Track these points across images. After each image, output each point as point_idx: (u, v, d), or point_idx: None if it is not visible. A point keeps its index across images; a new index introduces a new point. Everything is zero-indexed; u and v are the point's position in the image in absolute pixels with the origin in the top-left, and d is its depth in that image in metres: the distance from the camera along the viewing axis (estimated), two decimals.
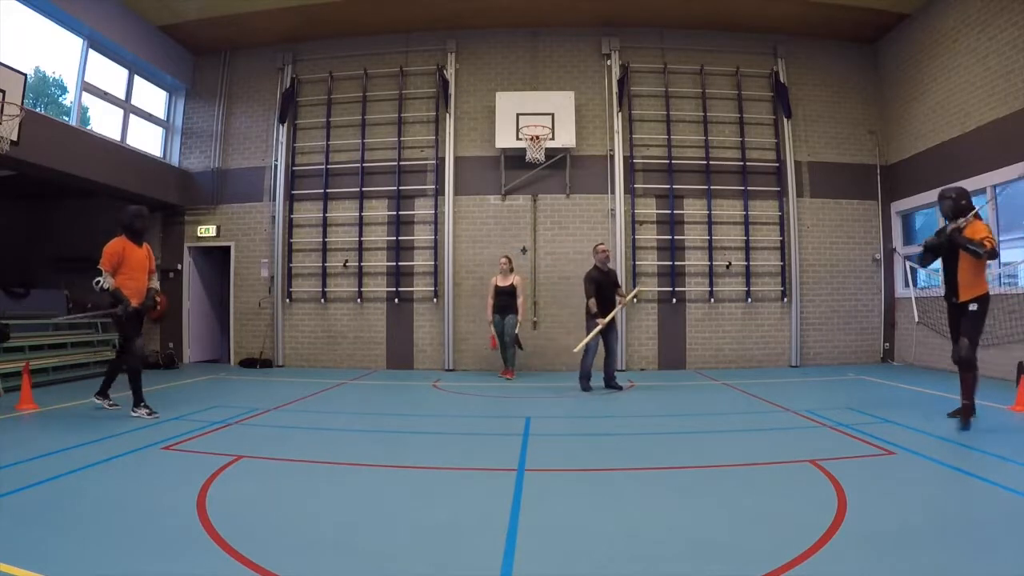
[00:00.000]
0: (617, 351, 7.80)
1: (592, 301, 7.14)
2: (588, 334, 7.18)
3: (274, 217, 10.32)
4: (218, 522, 2.82)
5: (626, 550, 2.58)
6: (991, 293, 5.03)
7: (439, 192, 10.06)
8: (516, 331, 8.47)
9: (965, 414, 4.72)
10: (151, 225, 10.80)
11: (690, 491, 3.40)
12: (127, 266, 5.57)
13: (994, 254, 4.68)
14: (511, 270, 8.63)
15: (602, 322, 7.08)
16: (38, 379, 7.28)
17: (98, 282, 5.45)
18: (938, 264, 5.32)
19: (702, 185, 9.95)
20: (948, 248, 4.90)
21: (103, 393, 5.90)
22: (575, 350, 7.34)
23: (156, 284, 5.96)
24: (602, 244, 7.81)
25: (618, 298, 7.47)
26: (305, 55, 10.55)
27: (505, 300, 8.42)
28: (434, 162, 10.14)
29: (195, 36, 10.34)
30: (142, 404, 5.57)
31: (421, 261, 10.09)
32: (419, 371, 9.79)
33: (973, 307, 4.80)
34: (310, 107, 10.57)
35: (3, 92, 6.43)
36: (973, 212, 4.89)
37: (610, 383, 7.43)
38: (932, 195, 9.15)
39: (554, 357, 9.72)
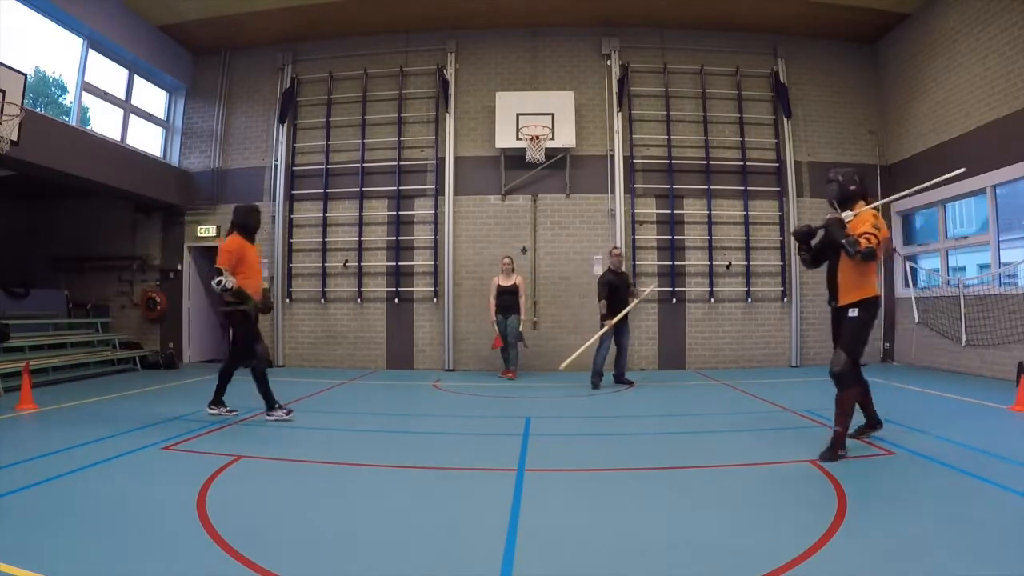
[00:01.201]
0: (628, 349, 7.91)
1: (603, 303, 7.41)
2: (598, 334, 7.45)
3: (274, 217, 10.32)
4: (218, 522, 2.82)
5: (626, 550, 2.58)
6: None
7: (439, 192, 10.06)
8: (520, 330, 8.52)
9: (834, 445, 3.88)
10: (151, 224, 10.92)
11: (690, 491, 3.40)
12: (245, 264, 5.32)
13: (870, 255, 3.82)
14: (513, 270, 8.66)
15: (609, 323, 7.30)
16: (38, 379, 7.28)
17: (219, 282, 5.09)
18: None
19: (702, 185, 9.95)
20: (828, 242, 4.19)
21: (217, 402, 5.58)
22: (562, 366, 7.50)
23: (267, 284, 5.68)
24: (616, 247, 8.09)
25: (630, 299, 7.62)
26: (305, 55, 10.55)
27: (508, 300, 8.47)
28: (434, 162, 10.14)
29: (195, 36, 10.34)
30: (276, 406, 5.38)
31: (421, 261, 10.09)
32: (419, 371, 9.78)
33: (853, 313, 4.03)
34: (310, 107, 10.57)
35: (3, 92, 6.42)
36: (873, 205, 4.21)
37: (620, 379, 7.75)
38: (932, 195, 9.19)
39: (554, 357, 9.67)
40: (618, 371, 7.79)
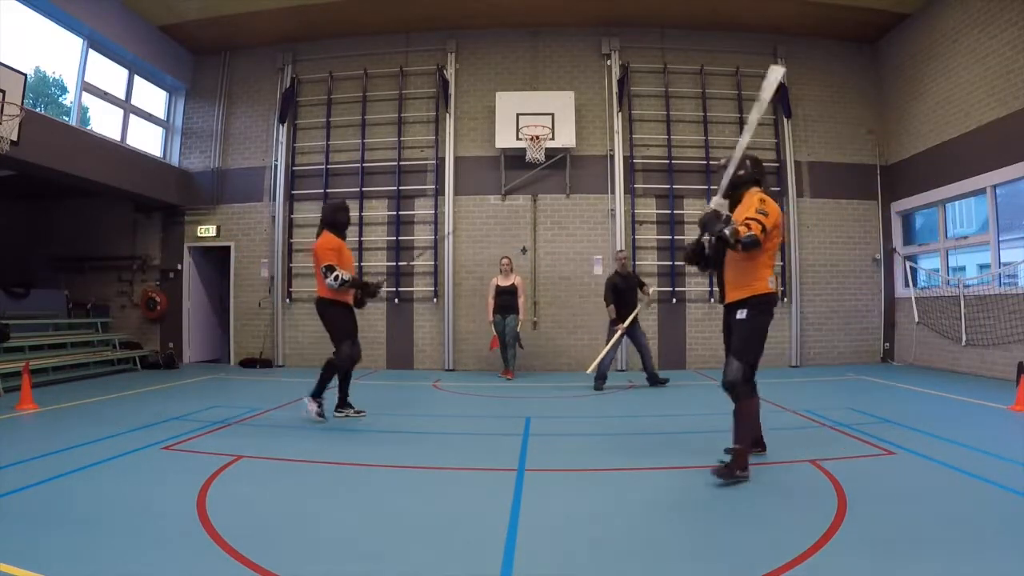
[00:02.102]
0: (649, 347, 7.77)
1: (611, 308, 7.38)
2: (609, 340, 7.37)
3: (274, 217, 10.32)
4: (218, 522, 2.82)
5: (626, 550, 2.58)
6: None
7: (439, 192, 10.06)
8: (518, 330, 8.52)
9: (732, 463, 3.40)
10: (151, 224, 10.91)
11: (690, 491, 3.40)
12: (341, 262, 5.25)
13: (751, 243, 3.32)
14: (512, 270, 8.66)
15: (621, 327, 7.25)
16: (38, 379, 7.28)
17: (336, 277, 5.09)
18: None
19: (702, 185, 9.95)
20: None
21: (343, 404, 5.57)
22: (589, 370, 7.38)
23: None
24: (620, 251, 8.06)
25: (640, 299, 7.57)
26: (305, 55, 10.55)
27: (506, 300, 8.47)
28: (434, 162, 10.14)
29: (195, 36, 10.34)
30: (319, 402, 5.34)
31: (421, 261, 10.09)
32: (419, 371, 9.78)
33: (741, 314, 3.55)
34: (310, 107, 10.57)
35: (3, 92, 6.43)
36: (759, 188, 3.66)
37: (654, 380, 7.65)
38: (932, 195, 9.22)
39: (554, 357, 9.72)
40: (648, 373, 7.67)
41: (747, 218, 3.40)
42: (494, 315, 8.54)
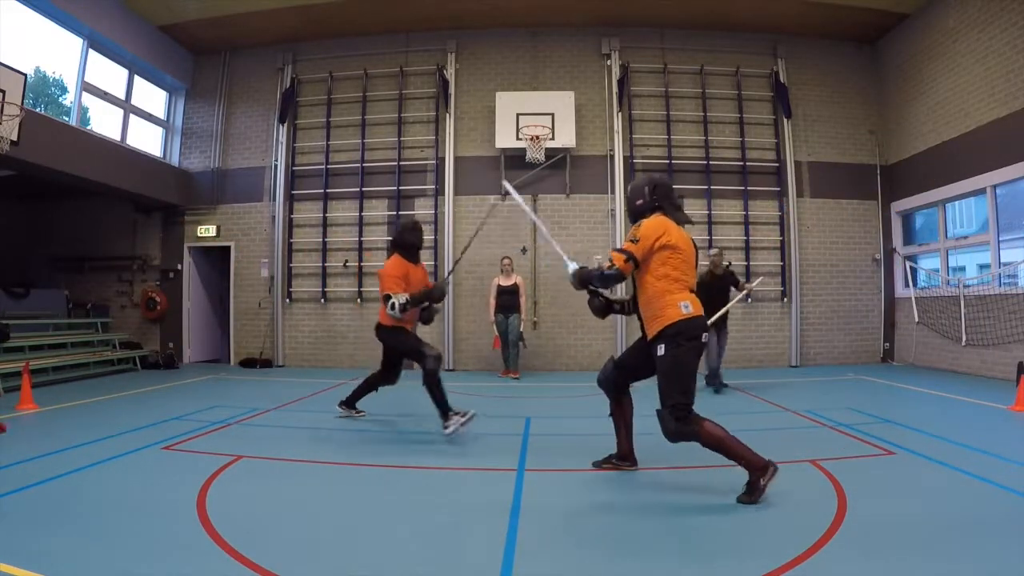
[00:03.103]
0: (724, 351, 7.38)
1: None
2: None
3: (274, 217, 10.32)
4: (218, 522, 2.82)
5: (626, 550, 2.58)
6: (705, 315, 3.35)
7: (439, 192, 10.06)
8: (520, 330, 8.55)
9: (751, 477, 3.11)
10: (151, 224, 10.91)
11: (690, 491, 3.40)
12: (411, 289, 4.89)
13: (611, 277, 3.28)
14: (512, 270, 8.69)
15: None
16: (38, 379, 7.28)
17: (392, 305, 4.71)
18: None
19: (702, 185, 9.95)
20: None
21: (445, 414, 4.88)
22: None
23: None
24: (714, 250, 7.73)
25: (732, 296, 7.19)
26: (305, 55, 10.55)
27: (508, 300, 8.51)
28: (434, 162, 10.13)
29: (195, 36, 10.34)
30: (354, 405, 5.37)
31: (421, 261, 10.06)
32: (419, 371, 9.75)
33: (659, 350, 3.22)
34: (310, 107, 10.57)
35: (3, 92, 6.42)
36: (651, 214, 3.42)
37: (711, 381, 7.25)
38: (932, 195, 9.22)
39: (554, 357, 9.72)
40: (710, 370, 7.24)
41: (611, 251, 3.35)
42: (496, 315, 8.57)
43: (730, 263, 9.19)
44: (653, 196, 3.46)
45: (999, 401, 5.89)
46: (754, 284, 7.80)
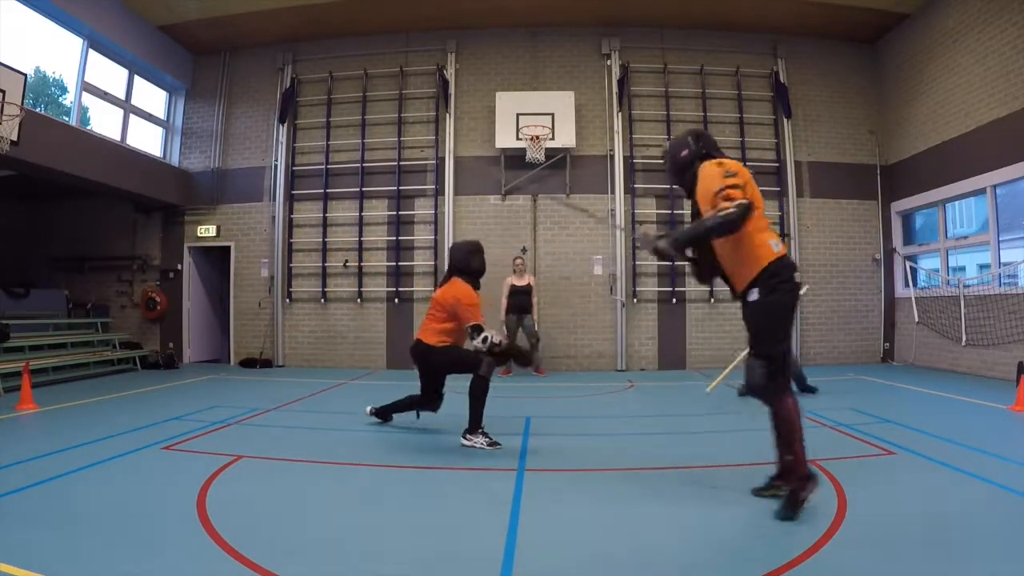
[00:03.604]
0: (794, 354, 6.77)
1: None
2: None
3: (274, 217, 10.32)
4: (218, 522, 2.82)
5: (626, 550, 2.58)
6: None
7: (439, 192, 10.05)
8: (536, 328, 8.65)
9: (793, 487, 2.85)
10: (151, 224, 10.91)
11: (690, 491, 3.40)
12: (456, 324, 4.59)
13: (742, 211, 2.83)
14: (525, 269, 8.71)
15: None
16: (38, 379, 7.27)
17: (485, 339, 4.38)
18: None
19: None
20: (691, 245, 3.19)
21: (386, 414, 5.18)
22: (709, 389, 6.67)
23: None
24: None
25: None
26: (305, 55, 10.55)
27: (522, 300, 8.55)
28: (434, 162, 10.13)
29: (195, 36, 10.34)
30: (480, 431, 4.50)
31: (421, 261, 10.09)
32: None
33: (753, 296, 2.97)
34: (310, 107, 10.57)
35: (3, 92, 6.43)
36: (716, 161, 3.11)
37: (802, 387, 6.59)
38: (932, 195, 9.22)
39: (554, 358, 9.71)
40: (797, 381, 6.37)
41: (722, 190, 2.89)
42: (508, 315, 8.55)
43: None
44: (699, 144, 3.21)
45: (999, 401, 5.88)
46: (802, 291, 7.17)
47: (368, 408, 5.35)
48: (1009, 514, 2.89)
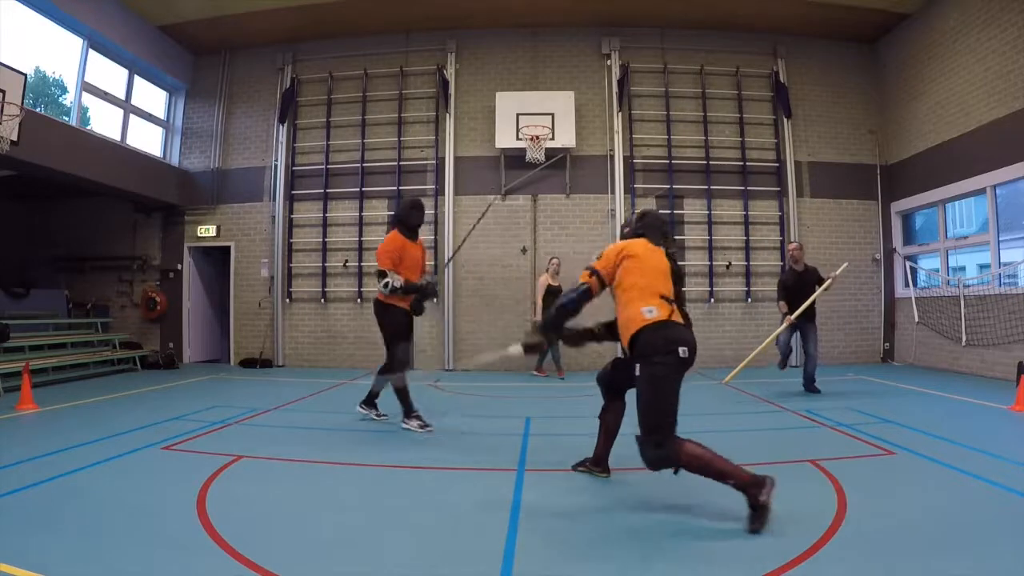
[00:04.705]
0: (815, 354, 6.88)
1: (782, 304, 6.81)
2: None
3: (274, 217, 10.32)
4: (218, 522, 2.82)
5: (627, 550, 2.58)
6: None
7: (439, 192, 10.05)
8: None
9: (753, 503, 2.75)
10: (151, 224, 10.91)
11: (690, 491, 3.39)
12: (404, 265, 5.02)
13: (579, 297, 3.27)
14: (559, 271, 8.66)
15: (789, 318, 6.60)
16: (38, 379, 7.28)
17: (387, 284, 4.86)
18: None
19: (702, 185, 9.95)
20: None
21: (370, 403, 5.42)
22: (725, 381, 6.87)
23: (432, 279, 5.34)
24: (792, 242, 7.30)
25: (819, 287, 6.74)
26: (305, 55, 10.55)
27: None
28: (434, 162, 10.14)
29: (195, 36, 10.34)
30: (414, 415, 5.06)
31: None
32: (419, 371, 9.77)
33: (636, 369, 3.00)
34: (310, 107, 10.57)
35: (3, 92, 6.43)
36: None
37: (808, 386, 6.87)
38: (932, 195, 9.22)
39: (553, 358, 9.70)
40: (805, 378, 6.90)
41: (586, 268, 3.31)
42: (543, 315, 8.41)
43: (728, 264, 9.17)
44: (638, 224, 3.48)
45: (999, 401, 5.88)
46: (839, 272, 7.08)
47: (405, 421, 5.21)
48: (1009, 514, 2.89)
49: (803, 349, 6.98)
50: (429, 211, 10.00)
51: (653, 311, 3.02)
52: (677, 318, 3.07)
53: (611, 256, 3.25)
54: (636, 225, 3.51)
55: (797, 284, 6.76)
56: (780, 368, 7.25)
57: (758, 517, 2.71)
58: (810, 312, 6.72)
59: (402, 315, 5.06)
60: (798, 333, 6.89)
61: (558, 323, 3.40)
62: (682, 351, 2.94)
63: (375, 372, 5.35)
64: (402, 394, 5.08)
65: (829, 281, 6.75)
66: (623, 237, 3.59)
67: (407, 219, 5.20)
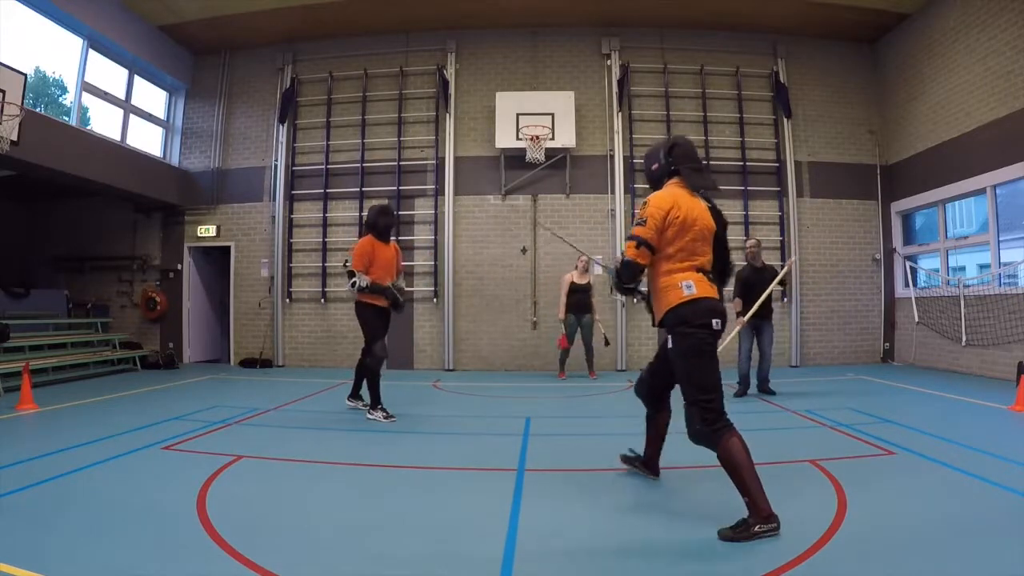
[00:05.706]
0: (769, 354, 6.85)
1: (737, 301, 6.55)
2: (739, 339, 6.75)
3: (274, 217, 10.32)
4: (218, 522, 2.82)
5: (626, 550, 2.58)
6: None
7: (439, 192, 10.06)
8: (603, 332, 8.52)
9: (750, 516, 2.64)
10: (151, 224, 10.91)
11: (690, 491, 3.40)
12: (375, 266, 5.44)
13: (625, 269, 2.90)
14: (587, 269, 8.41)
15: (741, 320, 6.46)
16: (38, 379, 7.28)
17: (354, 283, 5.35)
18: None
19: None
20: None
21: (355, 395, 6.01)
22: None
23: (402, 283, 5.81)
24: (750, 242, 7.07)
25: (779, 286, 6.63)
26: (305, 55, 10.55)
27: (583, 299, 8.18)
28: (434, 162, 10.14)
29: (195, 36, 10.34)
30: (379, 407, 5.48)
31: (421, 261, 10.09)
32: (419, 371, 9.78)
33: (668, 342, 2.93)
34: (310, 107, 10.57)
35: (3, 92, 6.43)
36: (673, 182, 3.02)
37: (762, 387, 6.84)
38: (932, 195, 9.22)
39: (554, 357, 9.69)
40: (760, 378, 6.84)
41: (629, 237, 2.91)
42: (567, 314, 8.24)
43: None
44: (669, 158, 3.00)
45: (999, 401, 5.89)
46: (790, 262, 7.36)
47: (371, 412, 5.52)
48: (1009, 514, 2.89)
49: (759, 349, 6.79)
50: (429, 211, 10.09)
51: (692, 287, 2.82)
52: (713, 293, 2.88)
53: (657, 217, 2.83)
54: (666, 160, 3.02)
55: (756, 281, 6.60)
56: (736, 395, 6.57)
57: (739, 533, 2.60)
58: (767, 310, 6.65)
59: (379, 311, 5.51)
60: (755, 338, 6.75)
61: (628, 290, 3.09)
62: (715, 323, 2.82)
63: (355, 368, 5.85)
64: (374, 385, 5.49)
65: (784, 271, 6.90)
66: (651, 177, 3.13)
67: (375, 224, 5.62)
